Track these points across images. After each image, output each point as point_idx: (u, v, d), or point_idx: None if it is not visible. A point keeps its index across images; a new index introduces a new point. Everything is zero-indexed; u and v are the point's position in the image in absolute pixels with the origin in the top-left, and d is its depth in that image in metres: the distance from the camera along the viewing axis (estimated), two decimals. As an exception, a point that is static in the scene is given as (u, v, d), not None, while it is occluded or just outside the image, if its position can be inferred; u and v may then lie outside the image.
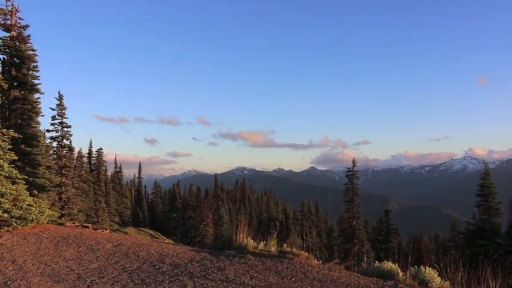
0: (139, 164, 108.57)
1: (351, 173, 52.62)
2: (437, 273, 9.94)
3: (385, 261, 10.84)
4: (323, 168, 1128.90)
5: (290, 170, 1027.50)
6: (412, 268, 10.29)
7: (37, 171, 28.45)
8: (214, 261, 10.97)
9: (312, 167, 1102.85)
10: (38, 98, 30.26)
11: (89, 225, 21.07)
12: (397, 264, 10.60)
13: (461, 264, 9.24)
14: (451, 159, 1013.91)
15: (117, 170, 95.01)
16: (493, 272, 8.71)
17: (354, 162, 52.93)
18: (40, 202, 18.71)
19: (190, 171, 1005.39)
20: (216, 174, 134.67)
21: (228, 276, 9.42)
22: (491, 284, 8.48)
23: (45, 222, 18.21)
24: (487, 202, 45.15)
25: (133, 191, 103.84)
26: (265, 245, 12.86)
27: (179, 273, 9.67)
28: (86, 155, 69.49)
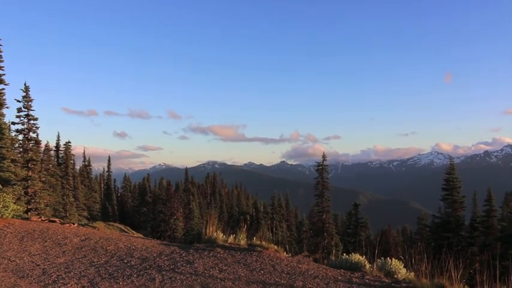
0: (109, 157, 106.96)
1: (321, 167, 52.98)
2: (403, 265, 10.18)
3: (352, 254, 11.03)
4: (293, 163, 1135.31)
5: (261, 164, 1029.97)
6: (379, 260, 10.51)
7: (1, 164, 27.75)
8: (184, 255, 10.94)
9: (283, 161, 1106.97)
10: (3, 89, 29.51)
11: (56, 219, 20.68)
12: (364, 257, 10.81)
13: (425, 255, 9.49)
14: (419, 154, 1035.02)
15: (86, 163, 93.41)
16: (455, 262, 8.98)
17: (324, 156, 53.30)
18: (4, 196, 18.27)
19: (160, 165, 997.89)
20: (186, 168, 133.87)
21: (197, 269, 9.42)
22: (453, 274, 8.73)
23: (10, 216, 17.79)
24: (452, 196, 46.31)
25: (102, 185, 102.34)
26: (235, 238, 12.90)
27: (148, 266, 9.62)
28: (54, 149, 67.98)
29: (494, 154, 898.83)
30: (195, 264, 9.85)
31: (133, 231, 62.70)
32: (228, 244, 12.41)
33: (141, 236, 29.47)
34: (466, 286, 8.82)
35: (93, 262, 10.19)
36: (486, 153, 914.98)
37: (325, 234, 52.43)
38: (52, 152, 64.75)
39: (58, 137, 71.00)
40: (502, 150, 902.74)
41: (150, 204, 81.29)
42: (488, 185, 50.82)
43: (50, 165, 56.18)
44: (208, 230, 13.66)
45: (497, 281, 8.54)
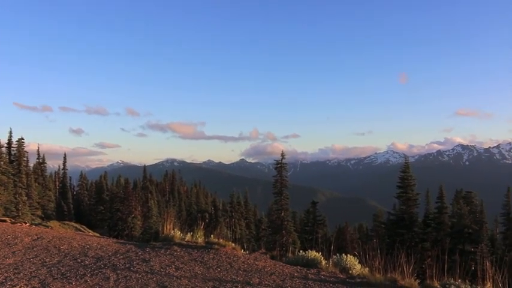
0: (65, 154, 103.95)
1: (279, 165, 53.35)
2: (357, 261, 10.44)
3: (309, 251, 11.20)
4: (253, 161, 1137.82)
5: (220, 162, 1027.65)
6: (334, 256, 10.74)
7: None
8: (140, 253, 10.81)
9: (242, 159, 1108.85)
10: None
11: (7, 219, 20.02)
12: (320, 253, 11.00)
13: (379, 251, 9.77)
14: (375, 153, 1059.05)
15: (40, 161, 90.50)
16: (407, 258, 9.30)
17: (282, 154, 53.70)
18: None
19: (118, 162, 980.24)
20: (145, 165, 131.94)
21: (153, 267, 9.33)
22: (405, 269, 9.05)
23: (-43, 215, 17.07)
24: (406, 193, 47.63)
25: (57, 183, 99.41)
26: (192, 236, 12.87)
27: (102, 266, 9.44)
28: (5, 145, 65.45)
29: (446, 153, 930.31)
30: (151, 263, 9.75)
31: (90, 230, 61.23)
32: (185, 242, 12.36)
33: (97, 235, 28.88)
34: (416, 280, 9.12)
35: (45, 262, 9.88)
36: (439, 152, 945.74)
37: (283, 231, 52.86)
38: (4, 149, 62.34)
39: (10, 133, 68.35)
40: (453, 149, 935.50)
41: (107, 202, 79.72)
42: (440, 183, 52.59)
43: (1, 163, 54.16)
44: (165, 228, 13.56)
45: (446, 274, 8.90)
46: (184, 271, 9.14)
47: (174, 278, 8.57)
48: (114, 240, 14.57)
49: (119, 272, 8.86)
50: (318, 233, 56.40)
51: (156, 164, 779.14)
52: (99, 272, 8.85)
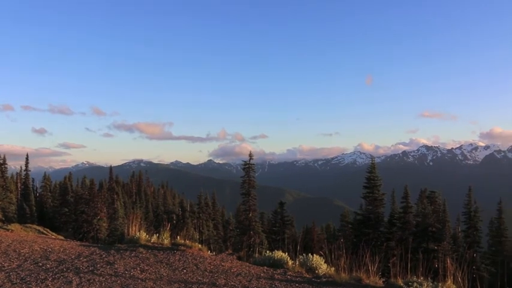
0: (27, 155, 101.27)
1: (247, 166, 53.39)
2: (324, 260, 10.53)
3: (276, 251, 11.24)
4: (221, 161, 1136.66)
5: (188, 163, 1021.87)
6: (301, 256, 10.80)
7: None
8: (104, 256, 10.60)
9: (210, 160, 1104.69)
10: None
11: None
12: (287, 254, 11.06)
13: (344, 251, 9.89)
14: (342, 154, 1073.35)
15: (1, 162, 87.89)
16: (372, 257, 9.46)
17: (250, 155, 53.74)
18: None
19: (83, 163, 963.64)
20: (111, 166, 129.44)
21: (117, 270, 9.16)
22: (370, 267, 9.20)
23: None
24: (373, 194, 48.48)
25: (19, 185, 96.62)
26: (158, 237, 12.73)
27: (64, 269, 9.20)
28: (-36, 146, 63.37)
29: (411, 154, 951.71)
30: (116, 265, 9.57)
31: (53, 233, 59.77)
32: (151, 244, 12.22)
33: (61, 237, 28.21)
34: (381, 278, 9.27)
35: (3, 267, 9.54)
36: (404, 153, 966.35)
37: (251, 232, 52.92)
38: (-38, 150, 60.29)
39: (-31, 133, 66.19)
40: (418, 150, 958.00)
41: (72, 204, 77.96)
42: (405, 184, 53.70)
43: (-40, 164, 52.38)
44: (131, 229, 13.37)
45: (409, 272, 9.08)
46: (149, 273, 9.01)
47: (139, 280, 8.43)
48: (78, 243, 14.25)
49: (81, 275, 8.66)
50: (286, 234, 56.73)
51: (122, 164, 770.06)
52: (61, 275, 8.62)
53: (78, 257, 10.54)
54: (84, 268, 9.27)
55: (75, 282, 8.12)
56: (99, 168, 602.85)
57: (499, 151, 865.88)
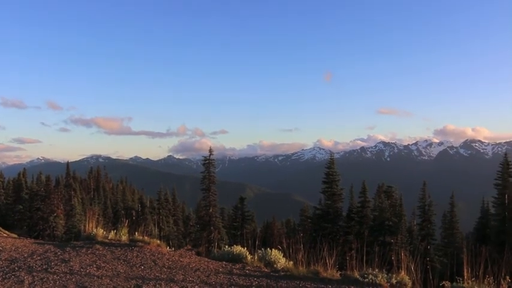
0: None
1: (207, 161, 53.20)
2: (282, 255, 10.64)
3: (234, 246, 11.27)
4: (181, 157, 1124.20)
5: (147, 158, 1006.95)
6: (259, 251, 10.88)
7: None
8: (59, 254, 10.35)
9: (170, 156, 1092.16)
10: None
11: None
12: (246, 248, 11.11)
13: (302, 245, 10.03)
14: (302, 149, 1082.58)
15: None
16: (330, 251, 9.65)
17: (210, 150, 53.54)
18: None
19: (39, 159, 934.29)
20: (68, 162, 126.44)
21: (72, 268, 8.97)
22: (327, 261, 9.37)
23: None
24: (331, 189, 49.32)
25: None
26: (116, 234, 12.53)
27: (16, 268, 8.91)
28: None
29: (369, 150, 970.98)
30: (71, 263, 9.36)
31: (6, 231, 57.71)
32: (108, 240, 12.02)
33: (15, 235, 27.31)
34: (338, 271, 9.47)
35: (-49, 266, 9.19)
36: (362, 149, 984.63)
37: (211, 227, 52.83)
38: None
39: None
40: (375, 146, 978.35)
41: (26, 201, 75.65)
42: (364, 179, 54.81)
43: None
44: (87, 226, 13.10)
45: (365, 264, 9.31)
46: (106, 270, 8.87)
47: (95, 277, 8.29)
48: (32, 240, 13.85)
49: (34, 274, 8.42)
50: (246, 228, 56.98)
51: (80, 160, 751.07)
52: (13, 275, 8.35)
53: (31, 255, 10.24)
54: (37, 267, 9.02)
55: (27, 282, 7.89)
56: (55, 164, 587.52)
57: (452, 147, 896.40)
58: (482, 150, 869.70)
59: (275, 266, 10.20)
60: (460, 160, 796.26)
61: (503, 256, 8.52)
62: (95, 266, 9.18)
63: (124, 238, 12.17)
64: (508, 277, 7.99)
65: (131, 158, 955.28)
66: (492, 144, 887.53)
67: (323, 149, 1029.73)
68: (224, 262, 10.28)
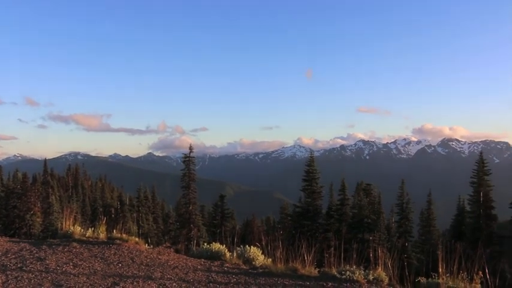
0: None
1: (187, 159, 52.97)
2: (261, 252, 10.68)
3: (213, 243, 11.27)
4: (161, 154, 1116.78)
5: (127, 156, 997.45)
6: (238, 248, 10.90)
7: None
8: (35, 252, 10.18)
9: (150, 153, 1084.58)
10: None
11: None
12: (225, 246, 11.12)
13: (280, 242, 10.09)
14: (282, 147, 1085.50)
15: None
16: (309, 248, 9.72)
17: (190, 148, 53.30)
18: None
19: (15, 156, 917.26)
20: (45, 159, 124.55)
21: (48, 266, 8.84)
22: (306, 258, 9.44)
23: None
24: (311, 186, 49.61)
25: None
26: (94, 231, 12.40)
27: (-11, 266, 8.75)
28: None
29: (349, 148, 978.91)
30: (47, 261, 9.22)
31: (-20, 230, 56.79)
32: (85, 238, 11.88)
33: (-11, 233, 26.83)
34: (316, 268, 9.53)
35: None
36: (342, 147, 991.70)
37: (191, 225, 52.66)
38: None
39: None
40: (355, 144, 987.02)
41: (2, 199, 74.28)
42: (343, 177, 55.27)
43: None
44: (65, 224, 12.93)
45: (343, 261, 9.41)
46: (83, 268, 8.77)
47: (72, 275, 8.19)
48: (7, 239, 13.59)
49: (8, 272, 8.27)
50: (226, 226, 56.92)
51: (58, 157, 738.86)
52: (-14, 273, 8.20)
53: (5, 253, 10.05)
54: (11, 265, 8.86)
55: (0, 281, 7.75)
56: (32, 161, 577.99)
57: (430, 146, 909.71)
58: (459, 149, 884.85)
59: (254, 263, 10.23)
60: (437, 158, 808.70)
61: (477, 252, 8.69)
62: (71, 264, 9.06)
63: (102, 236, 12.05)
64: (480, 272, 8.15)
65: (110, 155, 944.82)
66: (468, 143, 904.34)
67: (303, 147, 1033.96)
68: (203, 259, 10.27)
